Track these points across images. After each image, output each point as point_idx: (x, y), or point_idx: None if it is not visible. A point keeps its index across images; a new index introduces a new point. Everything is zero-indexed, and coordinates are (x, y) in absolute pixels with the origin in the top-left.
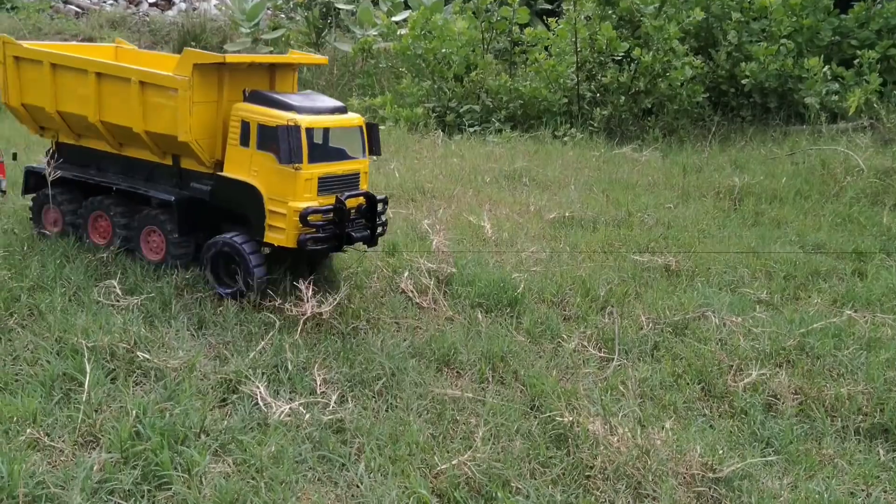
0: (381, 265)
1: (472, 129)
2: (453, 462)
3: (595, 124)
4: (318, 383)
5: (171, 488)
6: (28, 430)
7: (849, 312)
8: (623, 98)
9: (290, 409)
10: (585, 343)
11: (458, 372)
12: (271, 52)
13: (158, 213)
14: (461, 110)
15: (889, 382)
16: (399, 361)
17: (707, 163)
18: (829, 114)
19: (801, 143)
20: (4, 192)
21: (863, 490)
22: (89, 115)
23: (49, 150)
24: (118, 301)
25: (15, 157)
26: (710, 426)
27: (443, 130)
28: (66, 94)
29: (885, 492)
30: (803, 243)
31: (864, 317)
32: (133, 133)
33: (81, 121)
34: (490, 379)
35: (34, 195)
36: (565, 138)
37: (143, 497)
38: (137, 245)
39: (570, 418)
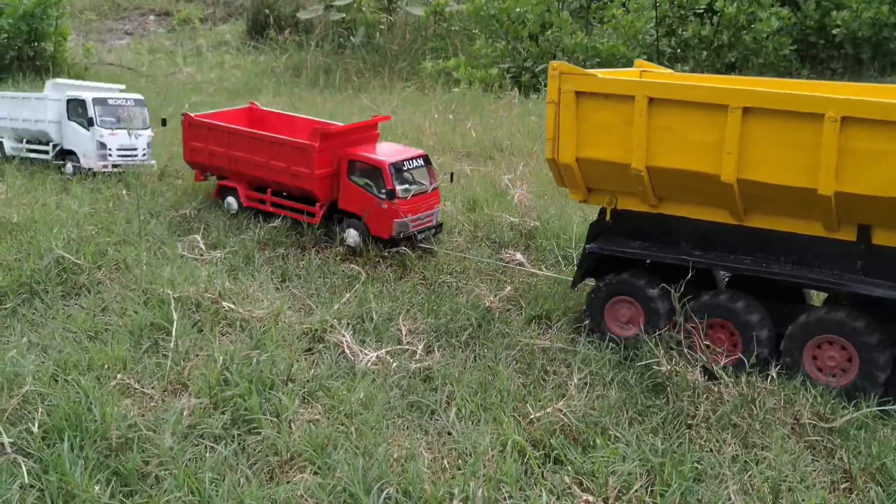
0: (463, 220)
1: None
2: (547, 410)
3: None
4: (404, 333)
5: (260, 432)
6: (119, 377)
7: None
8: (705, 53)
9: (378, 357)
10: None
11: (546, 324)
12: (343, 19)
13: (843, 315)
14: (537, 70)
15: None
16: (485, 313)
17: None
18: None
19: None
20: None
21: None
22: (722, 171)
23: (599, 221)
24: (202, 255)
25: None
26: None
27: (518, 90)
28: (671, 143)
29: None
30: None
31: None
32: (797, 196)
33: (691, 180)
34: (581, 331)
35: (594, 286)
36: None
37: (232, 440)
38: (796, 362)
39: (669, 367)
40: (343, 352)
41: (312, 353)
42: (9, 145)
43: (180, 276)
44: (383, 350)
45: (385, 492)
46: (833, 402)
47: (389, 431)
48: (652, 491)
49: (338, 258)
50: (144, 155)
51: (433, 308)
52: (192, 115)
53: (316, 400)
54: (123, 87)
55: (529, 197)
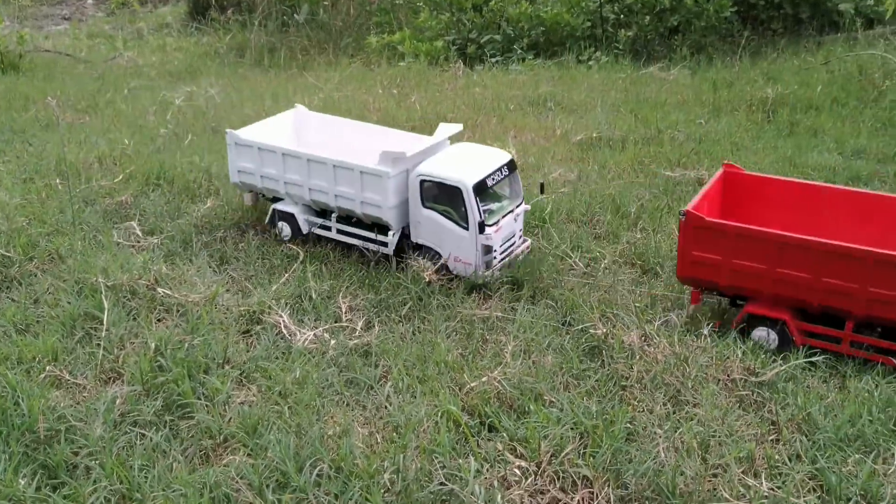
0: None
1: (493, 60)
2: (483, 379)
3: (620, 46)
4: (344, 310)
5: (193, 416)
6: (48, 369)
7: None
8: (648, 18)
9: (315, 335)
10: (618, 258)
11: (487, 294)
12: None
13: None
14: (482, 41)
15: None
16: (425, 286)
17: (738, 77)
18: (864, 20)
19: (836, 50)
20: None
21: None
22: None
23: None
24: (138, 242)
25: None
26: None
27: (464, 62)
28: None
29: None
30: (842, 150)
31: None
32: None
33: None
34: (521, 299)
35: None
36: (590, 62)
37: (164, 426)
38: None
39: (604, 330)
40: (280, 332)
41: (250, 335)
42: (304, 219)
43: (115, 264)
44: (321, 328)
45: (317, 468)
46: (763, 356)
47: (326, 409)
48: (584, 453)
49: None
50: (520, 237)
51: (373, 284)
52: (701, 214)
53: (251, 381)
54: (460, 126)
55: None
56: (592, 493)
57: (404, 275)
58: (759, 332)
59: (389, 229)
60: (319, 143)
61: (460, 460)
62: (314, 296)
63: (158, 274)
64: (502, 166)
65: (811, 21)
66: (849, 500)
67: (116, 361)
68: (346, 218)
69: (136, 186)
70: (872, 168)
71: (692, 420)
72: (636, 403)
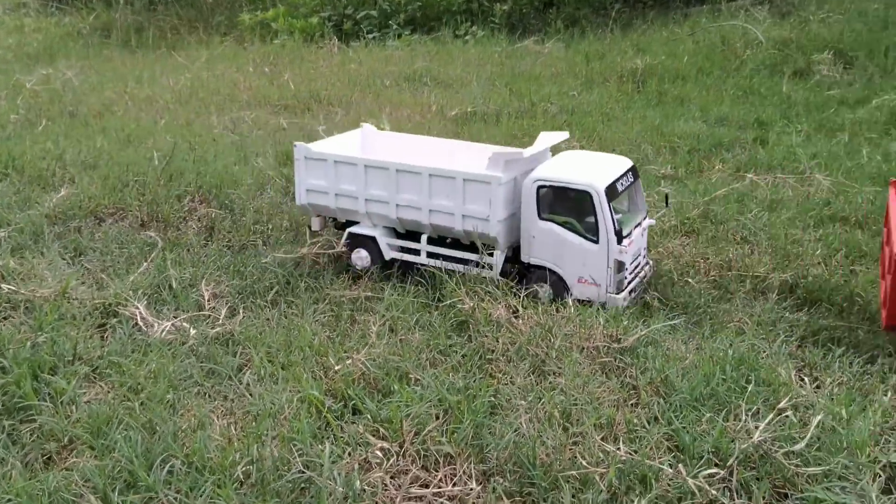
0: (274, 175)
1: (370, 36)
2: (348, 361)
3: (496, 20)
4: (206, 298)
5: (35, 419)
6: None
7: (751, 176)
8: None
9: (173, 326)
10: None
11: (358, 275)
12: None
13: None
14: (358, 17)
15: (791, 239)
16: (293, 269)
17: (609, 49)
18: None
19: (701, 22)
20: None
21: (764, 339)
22: None
23: None
24: None
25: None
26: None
27: (340, 39)
28: None
29: (787, 343)
30: (706, 118)
31: (766, 179)
32: None
33: None
34: (391, 277)
35: None
36: (466, 37)
37: (3, 431)
38: None
39: (471, 304)
40: (137, 324)
41: (105, 329)
42: (387, 242)
43: None
44: (181, 318)
45: (169, 465)
46: (626, 323)
47: (182, 402)
48: (447, 430)
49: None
50: (645, 257)
51: (239, 269)
52: None
53: (102, 378)
54: (566, 134)
55: None
56: (454, 470)
57: (271, 259)
58: None
59: (494, 248)
60: None
61: (322, 446)
62: (175, 285)
63: (5, 269)
64: (627, 171)
65: None
66: (701, 457)
67: None
68: (437, 239)
69: None
70: (734, 135)
71: (554, 390)
72: (501, 376)
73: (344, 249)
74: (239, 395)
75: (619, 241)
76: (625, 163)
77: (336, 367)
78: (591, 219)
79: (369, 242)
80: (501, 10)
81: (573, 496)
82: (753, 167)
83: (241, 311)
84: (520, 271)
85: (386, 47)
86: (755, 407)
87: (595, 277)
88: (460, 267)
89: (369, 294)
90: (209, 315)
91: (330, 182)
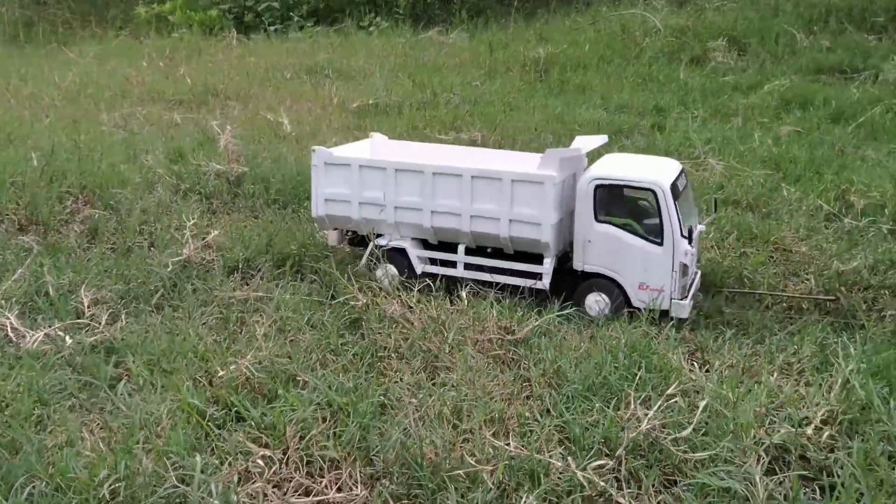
0: (164, 173)
1: (272, 28)
2: (232, 366)
3: (400, 11)
4: (86, 304)
5: None
6: None
7: None
8: None
9: (47, 335)
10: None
11: (250, 273)
12: None
13: None
14: (259, 9)
15: None
16: (180, 270)
17: (513, 38)
18: None
19: (601, 10)
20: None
21: (657, 324)
22: None
23: None
24: None
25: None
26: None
27: (241, 32)
28: None
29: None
30: (607, 105)
31: None
32: None
33: None
34: (286, 275)
35: None
36: (370, 28)
37: None
38: None
39: (365, 300)
40: (7, 335)
41: None
42: (417, 255)
43: None
44: (55, 327)
45: (29, 488)
46: (519, 314)
47: (52, 417)
48: (334, 433)
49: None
50: (698, 263)
51: (122, 273)
52: None
53: None
54: (605, 138)
55: (237, 142)
56: (339, 475)
57: (156, 261)
58: None
59: (544, 257)
60: None
61: (199, 457)
62: (52, 292)
63: None
64: (682, 172)
65: None
66: (591, 448)
67: None
68: (476, 250)
69: None
70: (633, 121)
71: (445, 386)
72: (392, 374)
73: (367, 264)
74: (116, 407)
75: (690, 242)
76: (676, 164)
77: (222, 373)
78: (654, 220)
79: (399, 255)
80: (406, 1)
81: (461, 496)
82: (652, 153)
83: (123, 318)
84: (571, 280)
85: (288, 39)
86: (645, 394)
87: (658, 282)
88: (504, 279)
89: (260, 294)
90: (88, 322)
91: (353, 190)
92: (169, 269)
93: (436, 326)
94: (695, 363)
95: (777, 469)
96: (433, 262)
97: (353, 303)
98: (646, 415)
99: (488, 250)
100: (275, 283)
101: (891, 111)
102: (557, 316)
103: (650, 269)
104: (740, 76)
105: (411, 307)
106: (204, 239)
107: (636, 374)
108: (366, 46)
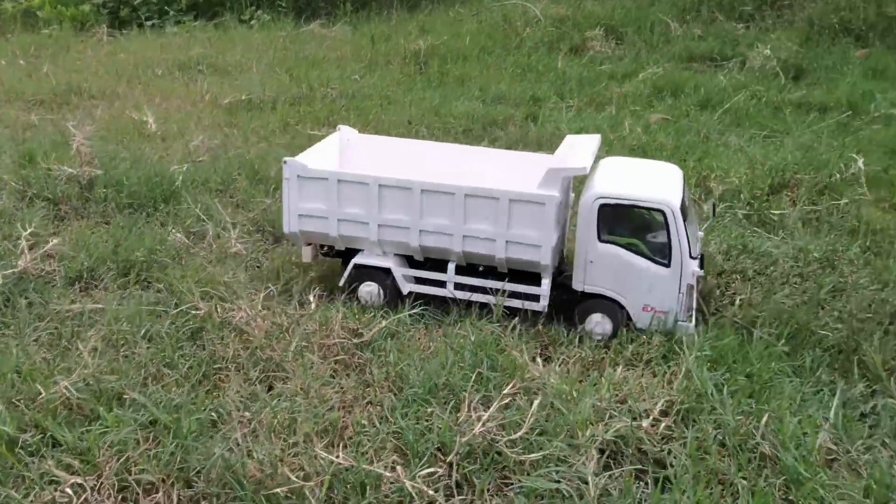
0: (10, 178)
1: (149, 23)
2: (54, 388)
3: (283, 4)
4: None
5: None
6: None
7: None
8: None
9: None
10: (251, 227)
11: (93, 283)
12: None
13: None
14: (136, 3)
15: None
16: (17, 281)
17: (396, 30)
18: None
19: (484, 1)
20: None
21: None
22: None
23: None
24: None
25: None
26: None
27: (116, 27)
28: None
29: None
30: (485, 97)
31: None
32: None
33: None
34: (130, 285)
35: None
36: (252, 22)
37: None
38: None
39: (205, 309)
40: None
41: None
42: (403, 274)
43: None
44: None
45: None
46: (367, 315)
47: None
48: (154, 454)
49: None
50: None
51: None
52: None
53: None
54: (597, 137)
55: (90, 143)
56: (156, 500)
57: None
58: None
59: (542, 277)
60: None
61: (3, 489)
62: None
63: None
64: (684, 180)
65: None
66: (424, 455)
67: None
68: (465, 267)
69: None
70: (509, 113)
71: (280, 396)
72: (226, 387)
73: (346, 284)
74: None
75: (702, 266)
76: (677, 172)
77: (45, 394)
78: (659, 238)
79: (382, 275)
80: None
81: None
82: (523, 144)
83: None
84: (565, 295)
85: (164, 34)
86: (486, 394)
87: (664, 304)
88: (499, 300)
89: (99, 306)
90: None
91: (331, 206)
92: (0, 283)
93: (279, 333)
94: (538, 359)
95: (614, 464)
96: (419, 280)
97: (194, 312)
98: (480, 417)
99: (480, 268)
100: (119, 293)
101: (755, 97)
102: (410, 315)
103: (656, 291)
104: (617, 65)
105: (259, 314)
106: (43, 248)
107: (481, 374)
108: (245, 40)
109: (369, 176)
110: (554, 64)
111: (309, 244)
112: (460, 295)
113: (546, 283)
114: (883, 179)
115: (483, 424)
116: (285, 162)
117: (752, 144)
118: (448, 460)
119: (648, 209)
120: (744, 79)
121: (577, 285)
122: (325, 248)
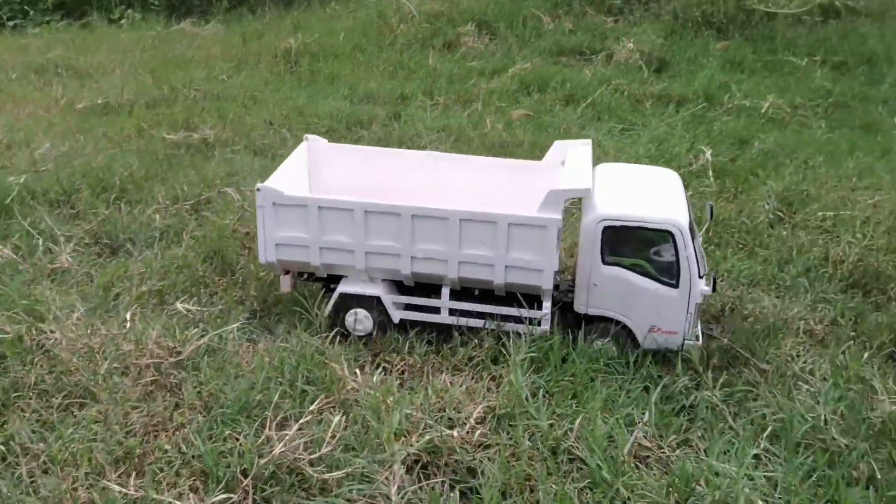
0: None
1: (11, 24)
2: None
3: (156, 3)
4: None
5: None
6: None
7: None
8: None
9: None
10: (88, 239)
11: None
12: None
13: None
14: None
15: None
16: None
17: (269, 28)
18: None
19: None
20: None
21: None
22: None
23: None
24: None
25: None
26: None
27: None
28: None
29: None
30: (353, 95)
31: None
32: None
33: None
34: None
35: None
36: (122, 21)
37: None
38: None
39: (12, 333)
40: None
41: None
42: (393, 301)
43: None
44: None
45: None
46: (184, 332)
47: None
48: None
49: None
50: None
51: None
52: None
53: None
54: (588, 142)
55: None
56: None
57: None
58: None
59: (542, 300)
60: (358, 187)
61: None
62: None
63: None
64: (685, 191)
65: None
66: (228, 481)
67: None
68: (460, 291)
69: None
70: (374, 112)
71: (78, 425)
72: (20, 416)
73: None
74: None
75: (714, 289)
76: (675, 179)
77: None
78: (665, 256)
79: (371, 303)
80: None
81: None
82: (387, 143)
83: None
84: (563, 314)
85: (26, 35)
86: (298, 411)
87: (672, 325)
88: (498, 324)
89: None
90: None
91: (312, 233)
92: None
93: (89, 354)
94: (362, 370)
95: (425, 476)
96: (410, 307)
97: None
98: (284, 436)
99: (475, 292)
100: None
101: (617, 91)
102: (238, 329)
103: (663, 312)
104: (488, 61)
105: (70, 334)
106: None
107: (303, 390)
108: (112, 41)
109: (354, 202)
110: (425, 61)
111: (287, 272)
112: (455, 321)
113: (547, 305)
114: (729, 170)
115: (284, 444)
116: (258, 189)
117: (610, 138)
118: (244, 485)
119: (656, 231)
120: (608, 73)
121: (580, 308)
122: (306, 275)
